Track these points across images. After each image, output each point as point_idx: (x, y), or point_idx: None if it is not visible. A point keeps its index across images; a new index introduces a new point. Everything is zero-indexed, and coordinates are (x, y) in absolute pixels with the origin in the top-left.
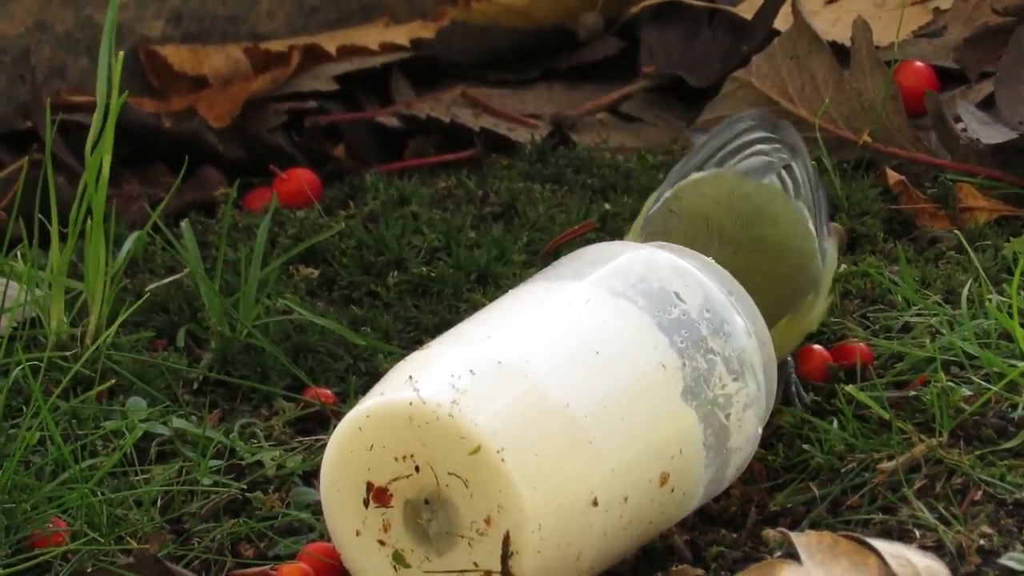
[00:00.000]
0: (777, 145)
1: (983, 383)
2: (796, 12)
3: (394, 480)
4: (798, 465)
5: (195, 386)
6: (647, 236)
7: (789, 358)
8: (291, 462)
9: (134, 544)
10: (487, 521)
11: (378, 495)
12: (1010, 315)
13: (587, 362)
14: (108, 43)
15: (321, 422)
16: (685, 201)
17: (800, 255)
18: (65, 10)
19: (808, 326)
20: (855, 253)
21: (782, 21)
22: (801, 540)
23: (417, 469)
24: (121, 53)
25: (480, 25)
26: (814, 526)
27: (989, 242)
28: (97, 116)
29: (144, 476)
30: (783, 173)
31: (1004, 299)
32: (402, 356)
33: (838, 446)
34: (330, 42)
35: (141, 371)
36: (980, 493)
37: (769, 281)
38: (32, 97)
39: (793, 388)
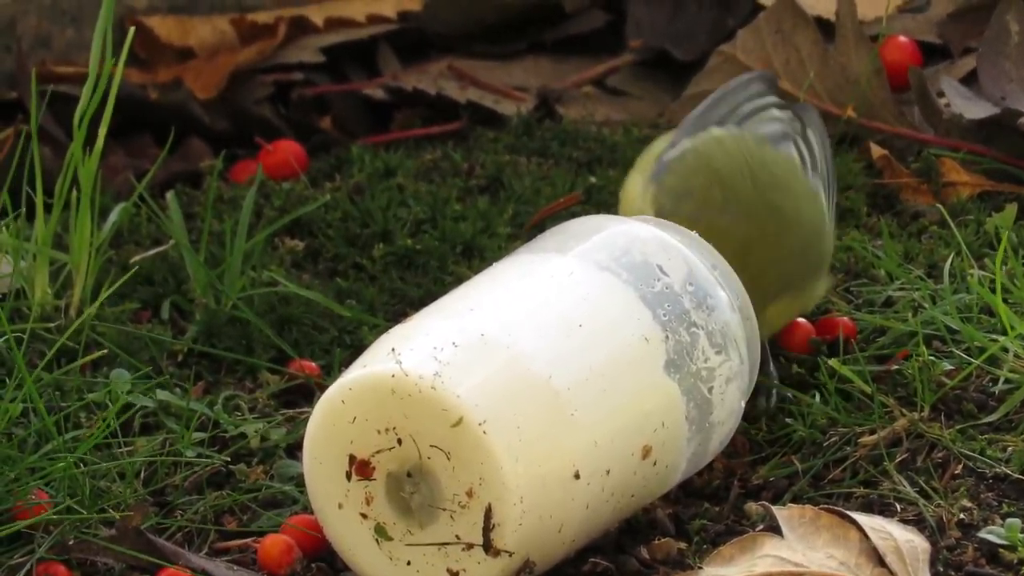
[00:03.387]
0: (790, 114)
1: (965, 357)
2: None
3: (376, 453)
4: (781, 439)
5: (179, 358)
6: (662, 185)
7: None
8: (275, 434)
9: (116, 516)
10: (469, 494)
11: (360, 468)
12: (992, 289)
13: (570, 335)
14: (106, 14)
15: (305, 394)
16: (703, 158)
17: (812, 231)
18: None
19: (805, 305)
20: (839, 227)
21: None
22: (783, 513)
23: (399, 442)
24: (131, 29)
25: None
26: (796, 500)
27: (971, 217)
28: (87, 88)
29: (127, 448)
30: (800, 144)
31: (986, 274)
32: (387, 328)
33: (820, 420)
34: (317, 14)
35: (125, 343)
36: (960, 467)
37: (778, 254)
38: (18, 68)
39: (770, 366)
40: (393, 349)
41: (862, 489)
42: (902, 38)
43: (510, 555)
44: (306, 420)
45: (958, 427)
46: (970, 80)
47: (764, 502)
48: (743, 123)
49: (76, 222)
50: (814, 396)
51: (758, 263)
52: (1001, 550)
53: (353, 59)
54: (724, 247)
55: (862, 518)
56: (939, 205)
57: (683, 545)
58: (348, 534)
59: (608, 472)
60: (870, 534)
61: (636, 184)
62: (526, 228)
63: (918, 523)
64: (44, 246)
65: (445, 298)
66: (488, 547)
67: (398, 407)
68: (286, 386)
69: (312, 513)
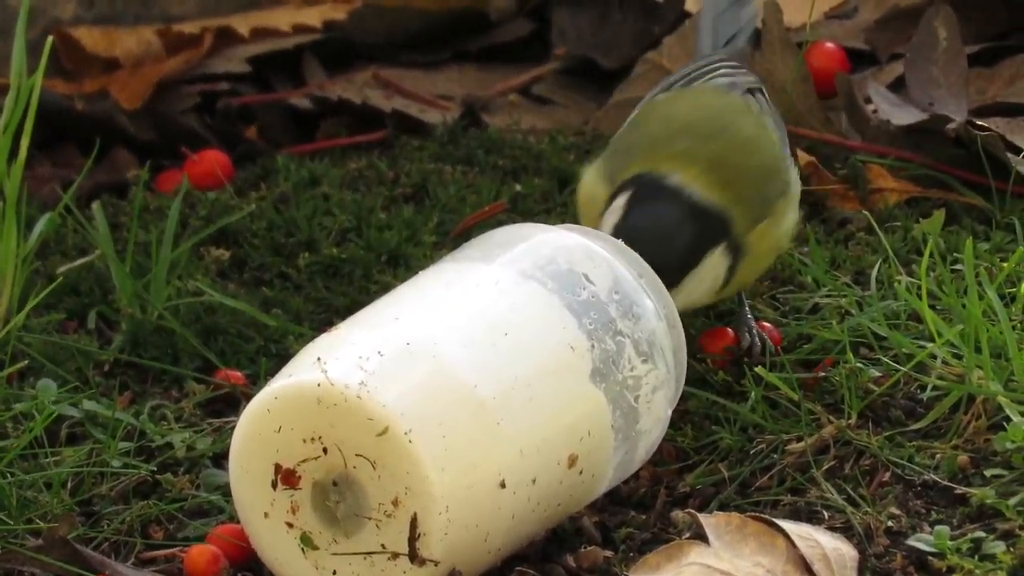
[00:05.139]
0: (744, 70)
1: (892, 364)
2: None
3: (302, 462)
4: (707, 446)
5: (106, 368)
6: (611, 154)
7: (747, 303)
8: (201, 444)
9: (44, 526)
10: (395, 503)
11: (286, 477)
12: (919, 296)
13: (496, 343)
14: (23, 25)
15: (231, 404)
16: (644, 113)
17: (770, 154)
18: None
19: (780, 239)
20: None
21: (693, 3)
22: (710, 521)
23: (325, 451)
24: (49, 38)
25: (392, 7)
26: (723, 507)
27: (899, 223)
28: (10, 98)
29: (54, 458)
30: (751, 96)
31: (913, 280)
32: (312, 338)
33: (748, 427)
34: (242, 24)
35: (52, 353)
36: (888, 474)
37: (742, 175)
38: None
39: (755, 331)
40: (319, 358)
41: (789, 497)
42: (829, 44)
43: (436, 565)
44: (232, 429)
45: (886, 434)
46: (897, 86)
47: (691, 510)
48: (690, 84)
49: (2, 232)
50: (741, 403)
51: (732, 173)
52: (930, 558)
53: (278, 69)
54: (695, 167)
55: (789, 526)
56: (866, 212)
57: (609, 553)
58: (274, 543)
59: (534, 481)
60: (797, 542)
61: (587, 173)
62: (451, 236)
63: (846, 531)
64: None
65: (370, 307)
66: (414, 557)
67: (324, 416)
68: (212, 395)
69: (238, 522)
